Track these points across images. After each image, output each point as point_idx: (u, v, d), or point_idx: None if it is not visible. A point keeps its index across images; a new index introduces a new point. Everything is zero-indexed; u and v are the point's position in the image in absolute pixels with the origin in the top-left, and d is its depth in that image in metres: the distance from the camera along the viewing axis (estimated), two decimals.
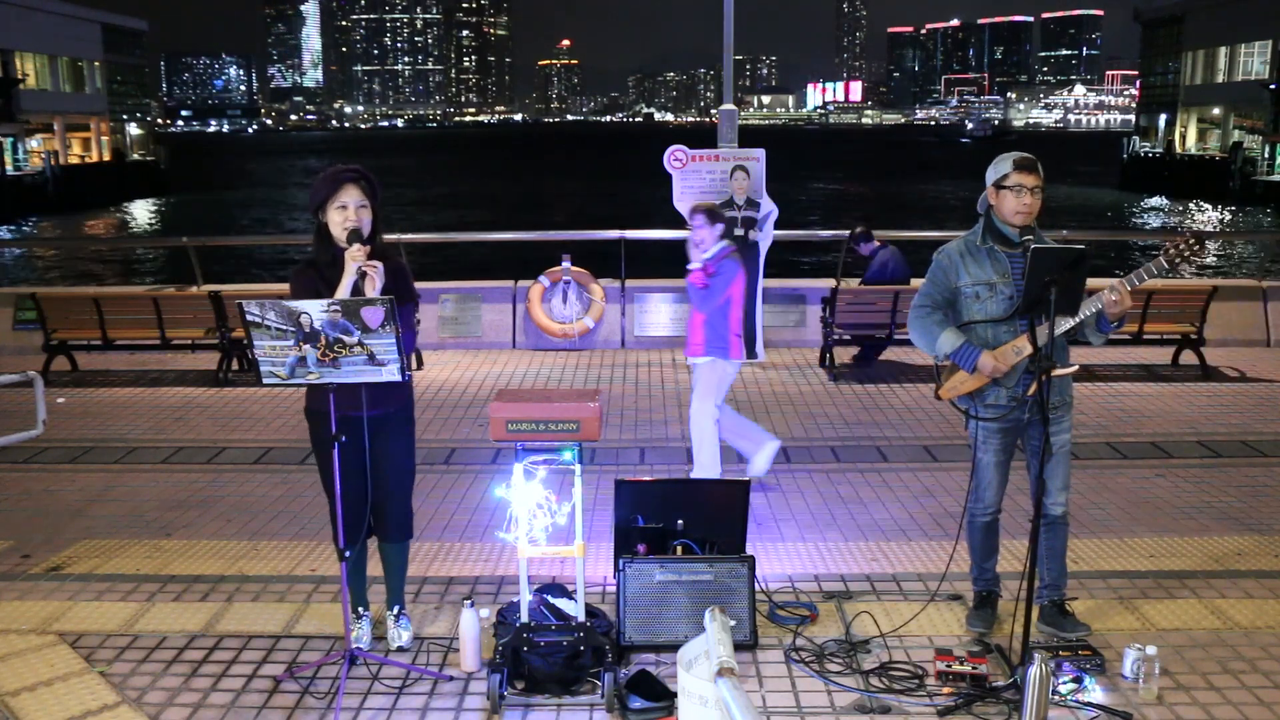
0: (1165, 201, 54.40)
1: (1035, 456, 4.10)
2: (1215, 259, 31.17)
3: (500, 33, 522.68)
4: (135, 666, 4.25)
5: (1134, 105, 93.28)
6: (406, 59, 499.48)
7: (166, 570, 5.22)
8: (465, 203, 57.03)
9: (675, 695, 3.60)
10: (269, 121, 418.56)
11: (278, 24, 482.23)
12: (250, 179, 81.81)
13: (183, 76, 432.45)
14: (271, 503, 6.25)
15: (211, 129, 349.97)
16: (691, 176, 9.85)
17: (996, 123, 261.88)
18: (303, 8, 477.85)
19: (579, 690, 4.00)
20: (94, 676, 4.17)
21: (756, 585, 4.45)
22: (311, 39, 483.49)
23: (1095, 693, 3.93)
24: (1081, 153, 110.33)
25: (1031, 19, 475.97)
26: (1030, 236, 4.17)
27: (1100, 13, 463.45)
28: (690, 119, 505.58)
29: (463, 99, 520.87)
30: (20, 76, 56.38)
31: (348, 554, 4.03)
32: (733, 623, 4.00)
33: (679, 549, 4.49)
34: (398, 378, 3.80)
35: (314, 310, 3.68)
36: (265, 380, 3.81)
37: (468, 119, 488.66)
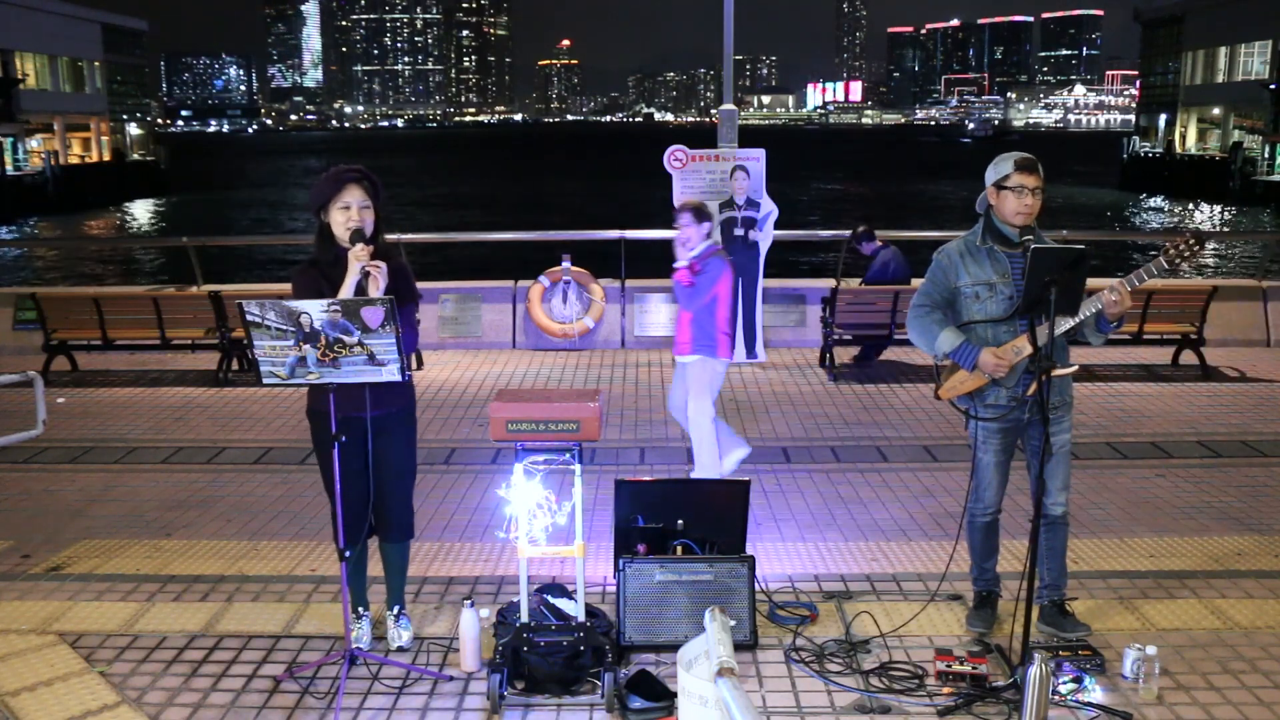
0: (1165, 201, 54.41)
1: (1035, 456, 4.10)
2: (1215, 259, 31.18)
3: (500, 33, 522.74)
4: (135, 666, 4.25)
5: (1134, 105, 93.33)
6: (406, 59, 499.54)
7: (166, 570, 5.22)
8: (465, 203, 57.05)
9: (675, 695, 3.60)
10: (269, 121, 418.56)
11: (278, 24, 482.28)
12: (250, 179, 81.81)
13: (183, 76, 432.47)
14: (271, 503, 6.25)
15: (211, 129, 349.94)
16: (691, 176, 9.85)
17: (997, 123, 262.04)
18: (303, 8, 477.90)
19: (579, 690, 4.00)
20: (94, 676, 4.17)
21: (756, 585, 4.45)
22: (311, 39, 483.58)
23: (1095, 693, 3.93)
24: (1081, 153, 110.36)
25: (1031, 19, 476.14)
26: (1030, 236, 4.16)
27: (1100, 13, 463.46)
28: (690, 119, 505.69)
29: (463, 99, 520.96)
30: (20, 76, 56.39)
31: (348, 554, 4.03)
32: (733, 623, 4.00)
33: (679, 549, 4.49)
34: (398, 378, 3.81)
35: (314, 310, 3.69)
36: (265, 380, 3.81)
37: (468, 119, 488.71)
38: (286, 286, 4.20)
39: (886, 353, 10.11)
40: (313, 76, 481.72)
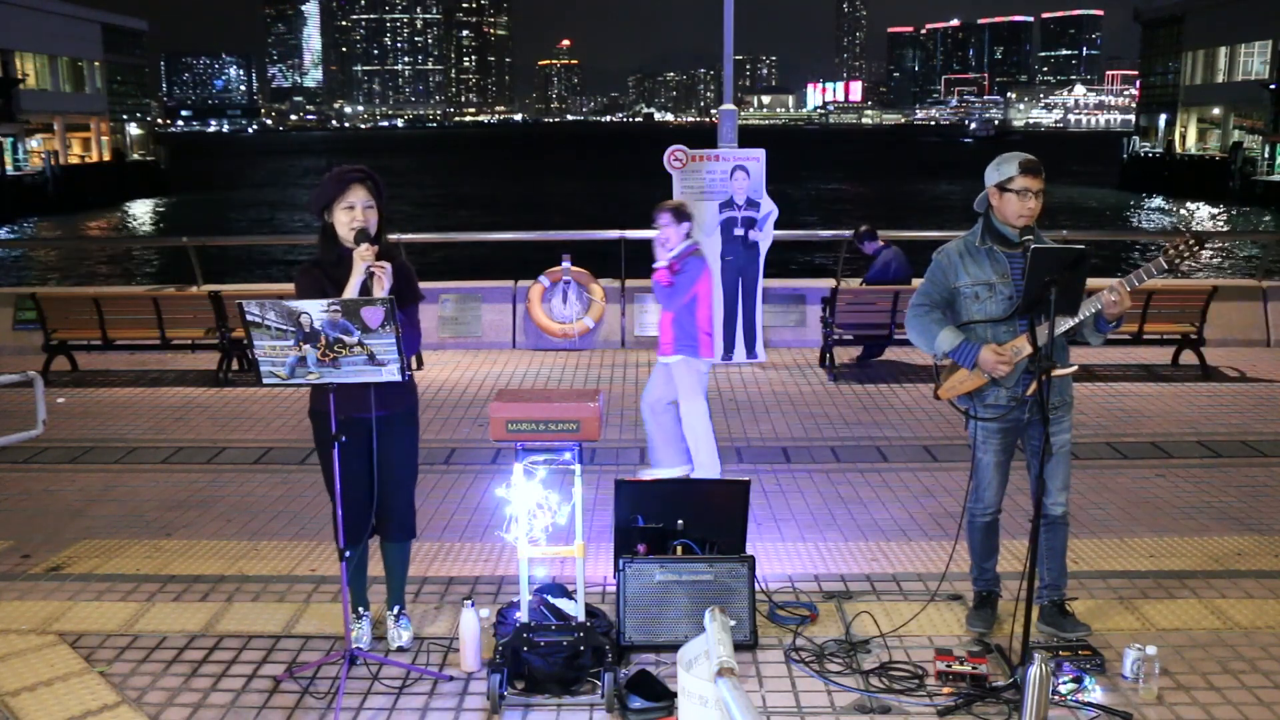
0: (1165, 202, 54.41)
1: (1035, 456, 4.10)
2: (1215, 259, 31.18)
3: (500, 33, 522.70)
4: (135, 666, 4.25)
5: (1134, 105, 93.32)
6: (406, 59, 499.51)
7: (166, 570, 5.22)
8: (465, 203, 57.03)
9: (675, 695, 3.60)
10: (269, 121, 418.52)
11: (278, 24, 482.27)
12: (250, 179, 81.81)
13: (183, 76, 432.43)
14: (271, 503, 6.25)
15: (211, 129, 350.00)
16: (691, 176, 9.85)
17: (997, 123, 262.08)
18: (303, 8, 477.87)
19: (579, 690, 4.00)
20: (94, 676, 4.17)
21: (756, 585, 4.45)
22: (312, 39, 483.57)
23: (1095, 693, 3.92)
24: (1081, 153, 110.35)
25: (1031, 19, 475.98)
26: (1030, 236, 4.16)
27: (1100, 13, 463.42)
28: (690, 119, 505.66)
29: (463, 99, 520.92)
30: (20, 76, 56.38)
31: (348, 554, 4.03)
32: (733, 623, 4.00)
33: (679, 549, 4.49)
34: (398, 378, 3.81)
35: (314, 310, 3.69)
36: (265, 380, 3.81)
37: (468, 119, 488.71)
38: (286, 286, 4.21)
39: (886, 353, 10.11)
40: (313, 76, 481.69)
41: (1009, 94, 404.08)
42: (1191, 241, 4.06)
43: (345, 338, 3.72)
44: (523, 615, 4.09)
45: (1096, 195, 59.30)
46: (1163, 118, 68.50)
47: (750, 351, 9.97)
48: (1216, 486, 6.40)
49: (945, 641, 4.38)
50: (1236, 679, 4.09)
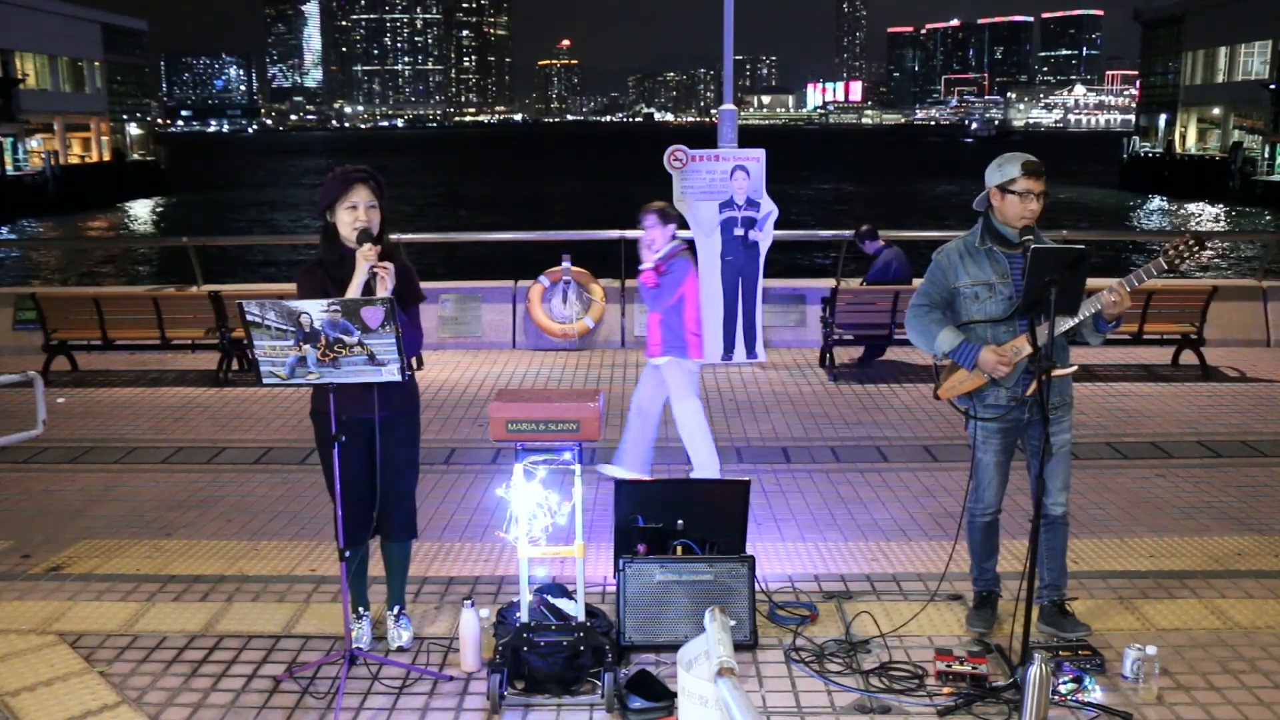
0: (1165, 202, 54.40)
1: (1035, 456, 4.10)
2: (1215, 259, 31.17)
3: (500, 33, 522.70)
4: (135, 666, 4.25)
5: (1134, 105, 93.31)
6: (406, 59, 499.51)
7: (166, 570, 5.22)
8: (465, 203, 57.03)
9: (675, 695, 3.60)
10: (269, 121, 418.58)
11: (278, 24, 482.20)
12: (250, 179, 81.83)
13: (183, 76, 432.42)
14: (271, 503, 6.25)
15: (211, 129, 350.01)
16: (691, 176, 9.84)
17: (997, 123, 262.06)
18: (303, 8, 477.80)
19: (579, 690, 4.00)
20: (94, 676, 4.17)
21: (756, 585, 4.45)
22: (312, 39, 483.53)
23: (1095, 693, 3.92)
24: (1081, 153, 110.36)
25: (1031, 19, 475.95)
26: (1030, 236, 4.16)
27: (1100, 13, 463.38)
28: (690, 119, 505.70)
29: (463, 99, 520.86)
30: (20, 76, 56.38)
31: (348, 555, 4.03)
32: (733, 623, 4.00)
33: (679, 549, 4.49)
34: (398, 378, 3.81)
35: (314, 310, 3.69)
36: (265, 380, 3.81)
37: (468, 119, 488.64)
38: (286, 286, 4.21)
39: (887, 353, 10.11)
40: (313, 76, 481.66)
41: (1009, 94, 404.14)
42: (1191, 242, 4.06)
43: (345, 338, 3.72)
44: (523, 615, 4.09)
45: (1096, 195, 59.30)
46: (1163, 118, 68.50)
47: (750, 351, 9.97)
48: (1216, 486, 6.40)
49: (945, 641, 4.38)
50: (1236, 679, 4.09)
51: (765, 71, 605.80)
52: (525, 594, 4.12)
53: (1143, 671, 3.94)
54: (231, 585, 5.04)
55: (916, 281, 9.19)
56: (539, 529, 4.10)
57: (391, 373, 3.79)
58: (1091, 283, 4.02)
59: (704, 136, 12.72)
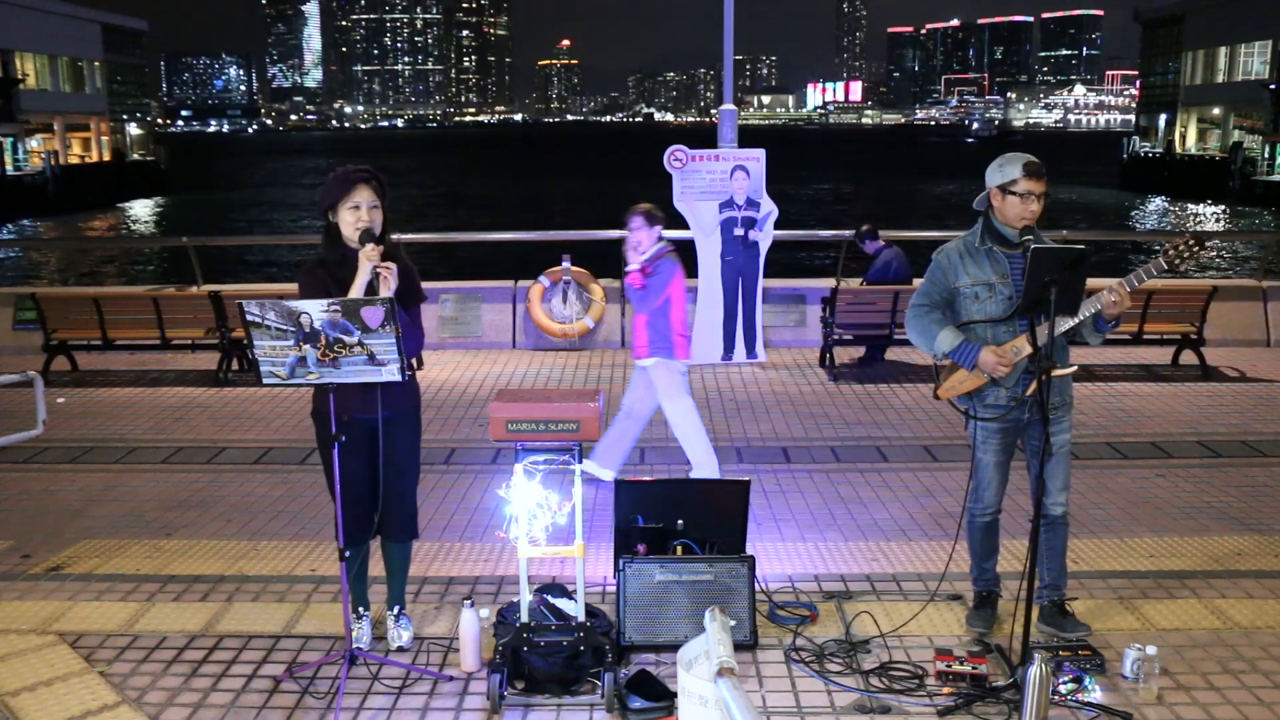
0: (1165, 202, 54.41)
1: (1035, 456, 4.10)
2: (1215, 259, 31.17)
3: (500, 33, 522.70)
4: (135, 666, 4.25)
5: (1134, 105, 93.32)
6: (406, 59, 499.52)
7: (166, 570, 5.22)
8: (465, 203, 57.03)
9: (675, 695, 3.60)
10: (269, 121, 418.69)
11: (278, 24, 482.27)
12: (250, 179, 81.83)
13: (183, 76, 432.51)
14: (271, 503, 6.25)
15: (211, 129, 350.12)
16: (691, 176, 9.85)
17: (998, 123, 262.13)
18: (303, 8, 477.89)
19: (579, 690, 4.00)
20: (94, 676, 4.17)
21: (756, 585, 4.45)
22: (312, 39, 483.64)
23: (1095, 693, 3.92)
24: (1081, 153, 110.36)
25: (1031, 19, 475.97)
26: (1030, 236, 4.15)
27: (1100, 13, 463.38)
28: (690, 119, 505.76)
29: (463, 99, 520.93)
30: (20, 76, 56.38)
31: (348, 555, 4.03)
32: (733, 623, 4.00)
33: (679, 549, 4.49)
34: (397, 378, 3.81)
35: (314, 310, 3.69)
36: (265, 380, 3.81)
37: (468, 119, 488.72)
38: (286, 286, 4.21)
39: (887, 353, 10.11)
40: (313, 76, 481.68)
41: (1009, 94, 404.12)
42: (1191, 242, 4.06)
43: (345, 338, 3.72)
44: (523, 615, 4.09)
45: (1096, 195, 59.30)
46: (1163, 118, 68.50)
47: (750, 351, 9.98)
48: (1216, 486, 6.40)
49: (945, 641, 4.38)
50: (1236, 679, 4.09)
51: (765, 71, 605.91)
52: (525, 594, 4.12)
53: (1143, 671, 3.94)
54: (231, 585, 5.04)
55: (916, 281, 9.20)
56: (539, 529, 4.10)
57: (391, 373, 3.79)
58: (1091, 283, 4.02)
59: (704, 136, 12.73)
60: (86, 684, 4.10)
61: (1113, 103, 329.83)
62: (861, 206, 52.28)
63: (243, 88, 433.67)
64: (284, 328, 3.70)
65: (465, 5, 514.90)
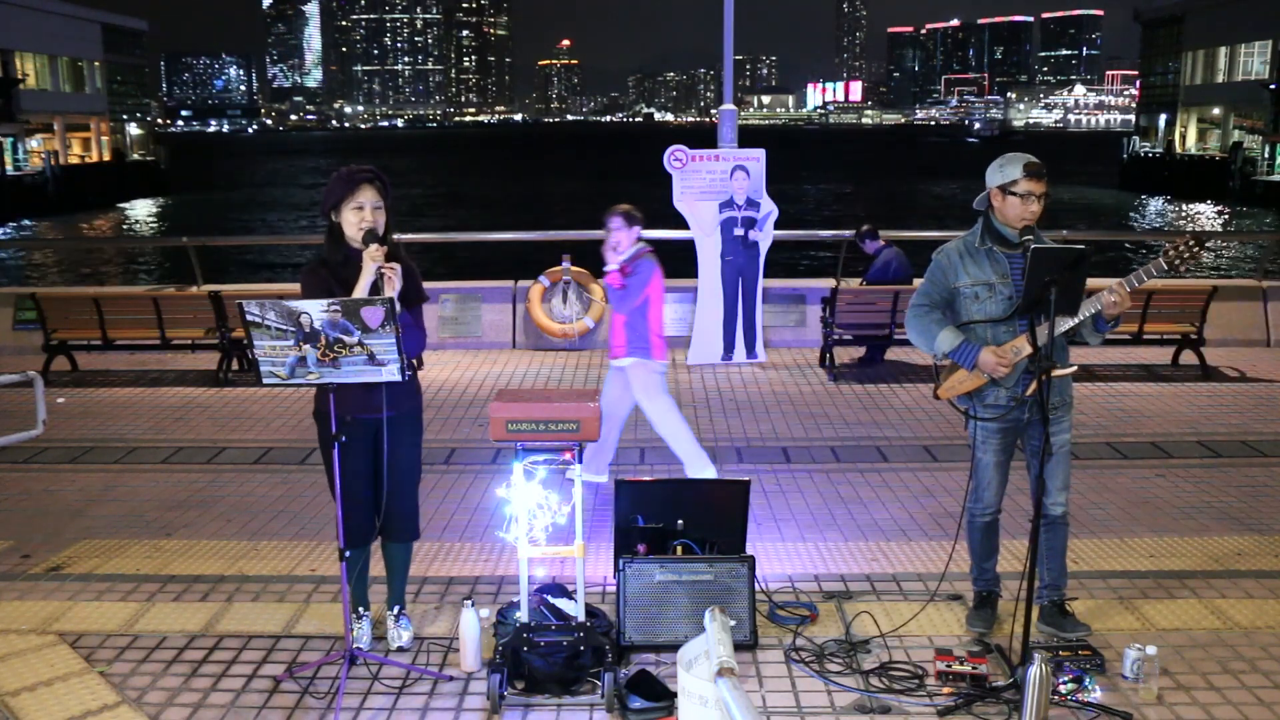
0: (1165, 202, 54.40)
1: (1035, 456, 4.10)
2: (1215, 259, 31.17)
3: (500, 33, 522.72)
4: (135, 666, 4.25)
5: (1134, 105, 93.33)
6: (406, 59, 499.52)
7: (166, 570, 5.22)
8: (465, 203, 57.02)
9: (675, 695, 3.60)
10: (269, 121, 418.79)
11: (278, 24, 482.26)
12: (250, 179, 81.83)
13: (183, 76, 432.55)
14: (271, 503, 6.25)
15: (211, 129, 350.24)
16: (691, 176, 9.85)
17: (998, 123, 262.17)
18: (303, 8, 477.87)
19: (579, 690, 4.00)
20: (94, 676, 4.17)
21: (756, 585, 4.45)
22: (312, 39, 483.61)
23: (1095, 693, 3.92)
24: (1081, 153, 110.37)
25: (1031, 19, 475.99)
26: (1030, 237, 4.15)
27: (1100, 13, 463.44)
28: (690, 119, 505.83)
29: (463, 99, 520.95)
30: (20, 76, 56.37)
31: (348, 554, 4.03)
32: (733, 623, 4.00)
33: (679, 549, 4.49)
34: (398, 378, 3.81)
35: (314, 310, 3.69)
36: (265, 380, 3.81)
37: (468, 119, 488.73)
38: (286, 286, 4.21)
39: (887, 353, 10.11)
40: (313, 76, 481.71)
41: (1009, 94, 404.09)
42: (1191, 243, 4.06)
43: (345, 338, 3.72)
44: (523, 615, 4.09)
45: (1096, 195, 59.30)
46: (1163, 118, 68.50)
47: (750, 351, 9.98)
48: (1216, 486, 6.40)
49: (945, 641, 4.38)
50: (1236, 679, 4.09)
51: (765, 71, 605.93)
52: (525, 594, 4.12)
53: (1143, 671, 3.94)
54: (231, 585, 5.04)
55: (916, 281, 9.20)
56: (539, 529, 4.10)
57: (392, 373, 3.79)
58: (1091, 283, 4.02)
59: (704, 136, 12.73)
60: (86, 684, 4.10)
61: (1113, 103, 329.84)
62: (861, 206, 52.28)
63: (243, 88, 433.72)
64: (284, 328, 3.70)
65: (465, 5, 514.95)
